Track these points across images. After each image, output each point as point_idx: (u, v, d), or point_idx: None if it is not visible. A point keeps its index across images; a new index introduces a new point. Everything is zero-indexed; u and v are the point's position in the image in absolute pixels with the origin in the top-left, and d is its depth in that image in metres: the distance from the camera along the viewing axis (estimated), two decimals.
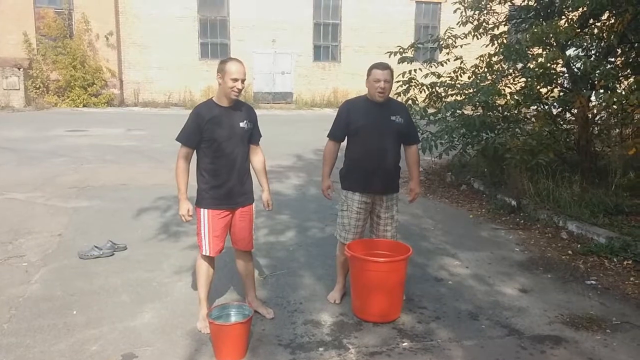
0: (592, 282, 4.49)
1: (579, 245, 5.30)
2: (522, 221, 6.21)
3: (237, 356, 3.18)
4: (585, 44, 7.50)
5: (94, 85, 20.12)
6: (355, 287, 3.79)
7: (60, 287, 4.17)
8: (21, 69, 19.07)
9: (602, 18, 7.27)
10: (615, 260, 4.87)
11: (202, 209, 3.48)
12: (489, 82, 7.37)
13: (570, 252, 5.19)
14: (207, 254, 3.50)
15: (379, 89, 3.72)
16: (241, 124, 3.48)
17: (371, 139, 3.78)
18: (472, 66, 8.03)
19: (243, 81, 3.40)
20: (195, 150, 3.47)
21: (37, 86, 19.55)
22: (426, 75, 7.80)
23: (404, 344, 3.40)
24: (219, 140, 3.39)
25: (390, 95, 3.91)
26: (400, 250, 3.80)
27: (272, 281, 4.39)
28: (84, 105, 19.62)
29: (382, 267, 3.65)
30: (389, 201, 3.95)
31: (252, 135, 3.61)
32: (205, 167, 3.46)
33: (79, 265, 4.62)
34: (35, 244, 5.15)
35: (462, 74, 7.95)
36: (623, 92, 5.90)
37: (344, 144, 3.99)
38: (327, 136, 3.99)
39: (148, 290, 4.14)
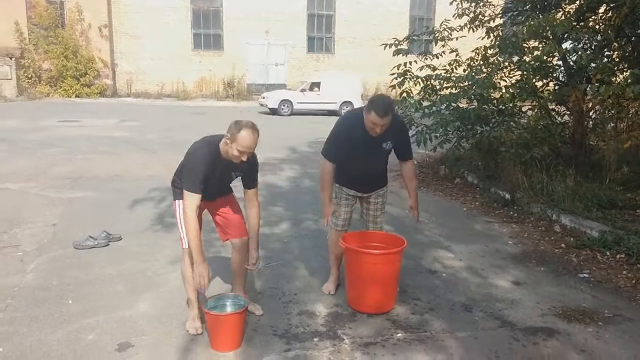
0: (585, 275, 4.53)
1: (572, 239, 5.34)
2: (515, 214, 6.25)
3: (233, 346, 3.20)
4: (581, 37, 7.51)
5: (87, 76, 20.01)
6: (350, 279, 3.81)
7: (55, 276, 4.16)
8: (13, 59, 18.91)
9: (599, 11, 7.29)
10: (608, 253, 4.91)
11: (177, 201, 3.40)
12: (484, 75, 7.38)
13: (563, 245, 5.23)
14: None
15: (374, 132, 3.56)
16: (233, 174, 3.38)
17: (360, 161, 3.76)
18: (467, 59, 8.04)
19: (250, 154, 3.15)
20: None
21: (29, 76, 19.41)
22: (421, 68, 7.80)
23: (398, 335, 3.42)
24: (208, 182, 3.22)
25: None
26: (395, 242, 3.82)
27: (266, 272, 4.40)
28: (76, 96, 19.51)
29: (377, 259, 3.67)
30: (379, 193, 4.01)
31: (245, 181, 3.45)
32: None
33: (74, 255, 4.61)
34: (30, 233, 5.13)
35: (457, 67, 7.95)
36: (619, 85, 5.93)
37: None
38: (325, 156, 3.77)
39: (143, 280, 4.14)
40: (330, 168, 3.76)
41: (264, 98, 19.27)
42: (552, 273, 4.58)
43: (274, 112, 18.43)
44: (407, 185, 4.03)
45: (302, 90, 19.48)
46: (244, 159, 3.12)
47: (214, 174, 3.24)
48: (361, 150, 3.71)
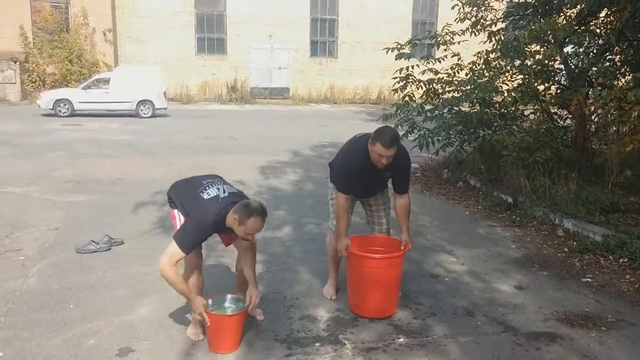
0: (588, 279, 4.51)
1: (575, 243, 5.31)
2: (518, 218, 6.23)
3: (231, 347, 3.20)
4: (583, 41, 7.51)
5: None
6: (351, 283, 3.80)
7: (57, 281, 4.16)
8: (17, 63, 18.99)
9: (600, 15, 7.28)
10: (611, 258, 4.89)
11: (175, 210, 3.43)
12: (486, 79, 7.38)
13: (566, 249, 5.21)
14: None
15: (380, 163, 3.52)
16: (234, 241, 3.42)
17: (362, 188, 3.83)
18: (469, 63, 8.04)
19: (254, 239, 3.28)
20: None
21: (33, 80, 19.48)
22: (423, 72, 7.81)
23: (399, 340, 3.41)
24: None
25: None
26: (397, 246, 3.81)
27: (268, 276, 4.39)
28: None
29: (379, 264, 3.66)
30: (378, 193, 4.00)
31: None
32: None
33: (76, 260, 4.61)
34: (32, 237, 5.14)
35: (459, 71, 7.95)
36: (621, 89, 5.92)
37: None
38: (339, 190, 3.75)
39: (145, 285, 4.14)
40: (345, 201, 3.72)
41: (40, 99, 16.55)
42: (554, 277, 4.56)
43: (52, 113, 15.97)
44: (400, 221, 3.82)
45: (86, 88, 16.67)
46: (250, 239, 3.23)
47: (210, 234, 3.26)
48: (364, 178, 3.73)
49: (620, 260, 4.82)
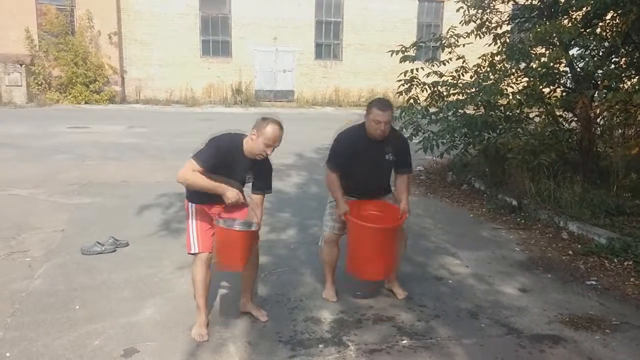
0: (592, 282, 4.50)
1: (579, 246, 5.31)
2: (522, 221, 6.22)
3: (237, 263, 3.26)
4: (588, 43, 7.49)
5: (96, 82, 20.11)
6: (350, 246, 3.82)
7: (63, 282, 4.19)
8: (23, 65, 19.07)
9: (606, 18, 7.26)
10: (615, 261, 4.88)
11: (190, 203, 3.43)
12: (491, 81, 7.37)
13: (570, 252, 5.20)
14: (197, 251, 3.37)
15: (379, 130, 3.66)
16: (247, 176, 3.40)
17: (363, 174, 3.83)
18: (474, 65, 8.02)
19: (274, 148, 3.28)
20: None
21: (39, 82, 19.56)
22: (428, 75, 7.80)
23: (403, 342, 3.41)
24: (223, 175, 3.28)
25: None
26: (395, 212, 3.83)
27: (272, 278, 4.40)
28: (85, 102, 19.61)
29: (379, 234, 3.69)
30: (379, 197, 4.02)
31: (257, 184, 3.47)
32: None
33: (82, 261, 4.64)
34: (38, 239, 5.17)
35: (464, 74, 7.94)
36: (626, 92, 5.90)
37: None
38: (328, 167, 3.89)
39: (150, 286, 4.16)
40: (334, 177, 3.83)
41: None
42: (559, 280, 4.56)
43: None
44: (400, 194, 3.92)
45: None
46: (269, 152, 3.25)
47: (231, 167, 3.27)
48: (365, 161, 3.76)
49: (625, 263, 4.82)
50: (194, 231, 3.38)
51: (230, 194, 3.18)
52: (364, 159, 3.77)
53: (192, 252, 3.40)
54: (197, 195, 3.36)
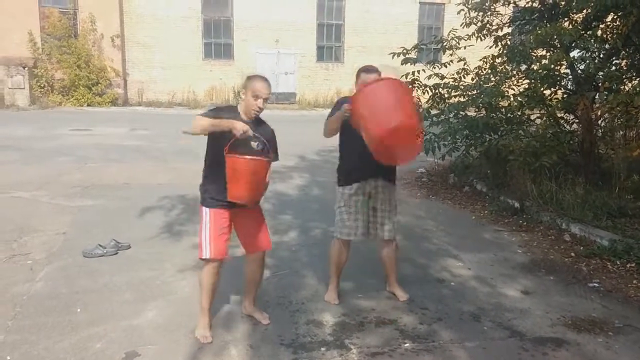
0: (595, 284, 4.49)
1: (581, 248, 5.30)
2: (525, 223, 6.21)
3: (245, 193, 3.23)
4: (589, 45, 7.49)
5: (99, 85, 20.16)
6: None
7: (64, 285, 4.19)
8: (26, 68, 19.12)
9: (606, 20, 7.26)
10: (618, 263, 4.87)
11: (204, 208, 3.43)
12: (492, 83, 7.37)
13: (573, 254, 5.19)
14: (208, 257, 3.36)
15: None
16: (252, 143, 3.37)
17: (362, 143, 3.69)
18: (475, 67, 8.03)
19: (265, 100, 3.36)
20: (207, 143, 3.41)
21: (42, 85, 19.61)
22: (429, 77, 7.81)
23: (405, 345, 3.41)
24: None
25: None
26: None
27: (274, 281, 4.40)
28: (88, 105, 19.66)
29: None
30: (385, 192, 3.93)
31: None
32: (210, 167, 3.42)
33: (83, 264, 4.65)
34: (40, 242, 5.18)
35: (465, 76, 7.94)
36: (627, 93, 5.89)
37: (337, 142, 4.00)
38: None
39: (152, 289, 4.16)
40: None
41: None
42: (561, 282, 4.55)
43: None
44: None
45: None
46: (260, 105, 3.34)
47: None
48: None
49: (628, 265, 4.81)
50: (207, 236, 3.35)
51: (239, 125, 3.19)
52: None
53: (204, 257, 3.37)
54: (213, 194, 3.35)
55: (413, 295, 4.13)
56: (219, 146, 3.25)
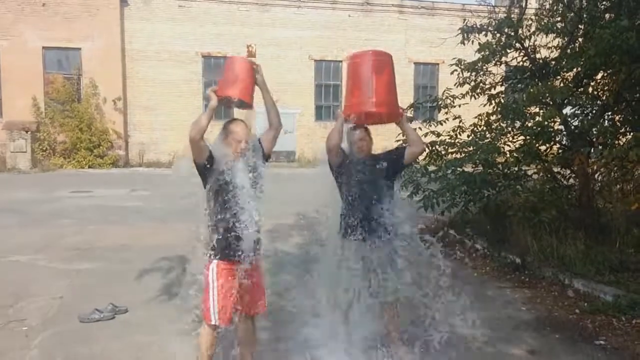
0: (601, 342, 4.40)
1: (586, 304, 5.22)
2: (527, 279, 6.14)
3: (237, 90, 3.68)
4: (581, 102, 7.64)
5: (100, 147, 20.42)
6: None
7: (60, 352, 4.10)
8: (29, 132, 19.43)
9: (597, 78, 7.45)
10: (623, 319, 4.78)
11: (213, 260, 3.32)
12: (488, 140, 7.47)
13: (577, 310, 5.11)
14: (217, 324, 3.29)
15: (362, 147, 4.02)
16: (251, 174, 3.44)
17: (359, 196, 3.91)
18: (470, 125, 8.16)
19: (247, 141, 3.47)
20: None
21: (44, 148, 19.86)
22: (426, 135, 7.92)
23: None
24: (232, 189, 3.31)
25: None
26: None
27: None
28: (89, 167, 19.84)
29: None
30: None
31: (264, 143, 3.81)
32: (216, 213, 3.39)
33: (80, 329, 4.56)
34: (36, 307, 5.10)
35: (461, 133, 8.06)
36: (622, 148, 5.96)
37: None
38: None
39: (148, 355, 4.07)
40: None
41: None
42: (567, 340, 4.45)
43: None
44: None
45: None
46: (243, 145, 3.45)
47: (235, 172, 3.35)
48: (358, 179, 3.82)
49: (633, 321, 4.72)
50: (215, 299, 3.27)
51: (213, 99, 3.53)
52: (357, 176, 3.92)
53: (212, 323, 3.32)
54: (222, 245, 3.29)
55: (417, 358, 4.03)
56: (216, 179, 3.41)
